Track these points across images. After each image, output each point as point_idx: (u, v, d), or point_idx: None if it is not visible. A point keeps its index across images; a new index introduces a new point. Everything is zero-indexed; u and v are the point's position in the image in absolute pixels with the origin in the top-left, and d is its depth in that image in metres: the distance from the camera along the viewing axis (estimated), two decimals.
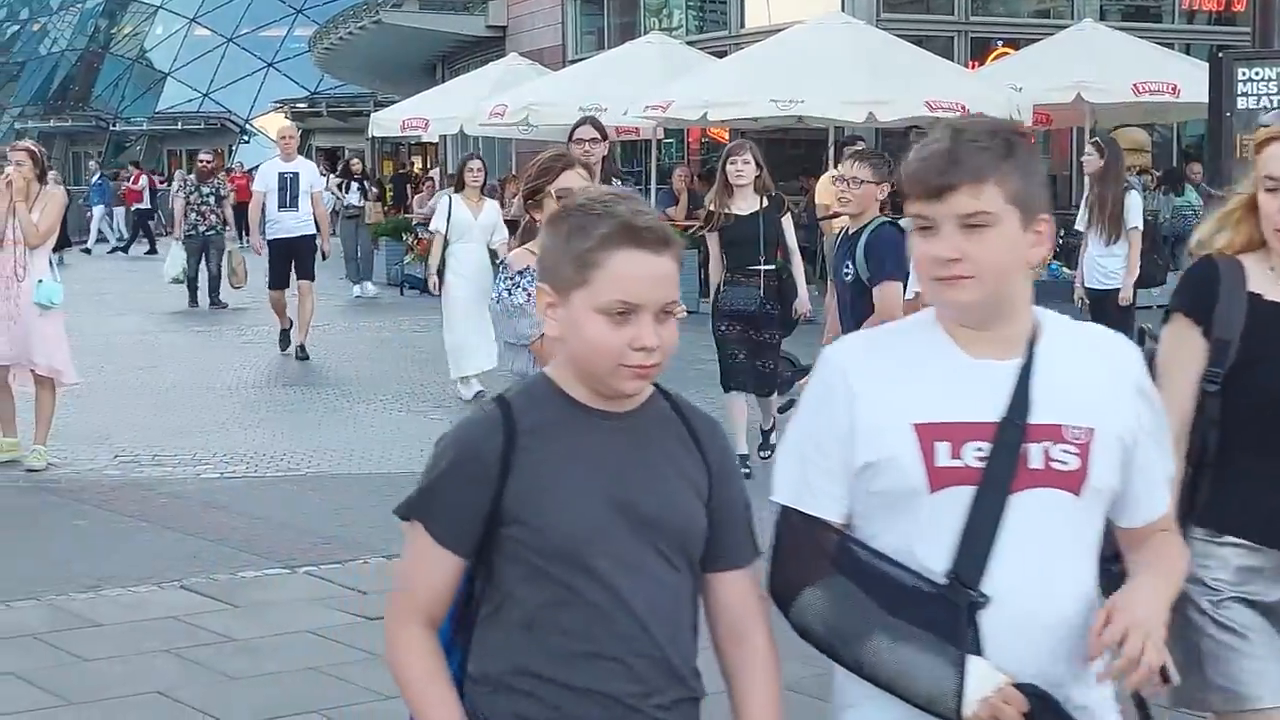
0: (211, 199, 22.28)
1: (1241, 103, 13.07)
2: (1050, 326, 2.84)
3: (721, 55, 24.50)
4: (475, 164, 14.03)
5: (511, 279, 5.20)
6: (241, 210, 22.97)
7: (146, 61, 72.09)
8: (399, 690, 2.85)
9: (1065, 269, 15.34)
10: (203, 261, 22.23)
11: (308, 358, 16.60)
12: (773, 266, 10.27)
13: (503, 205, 16.17)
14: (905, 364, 2.82)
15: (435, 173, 33.89)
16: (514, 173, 25.61)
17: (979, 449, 2.72)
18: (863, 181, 8.15)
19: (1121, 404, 2.83)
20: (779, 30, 22.30)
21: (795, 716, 2.98)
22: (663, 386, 2.85)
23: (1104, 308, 12.07)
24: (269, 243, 17.07)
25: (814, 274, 16.14)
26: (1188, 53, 24.66)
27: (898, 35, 22.05)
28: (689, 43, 26.62)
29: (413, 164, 43.52)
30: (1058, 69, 20.82)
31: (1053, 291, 14.63)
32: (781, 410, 9.71)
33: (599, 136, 9.17)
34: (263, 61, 66.13)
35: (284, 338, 17.02)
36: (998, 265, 2.71)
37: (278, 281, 17.08)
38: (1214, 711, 3.74)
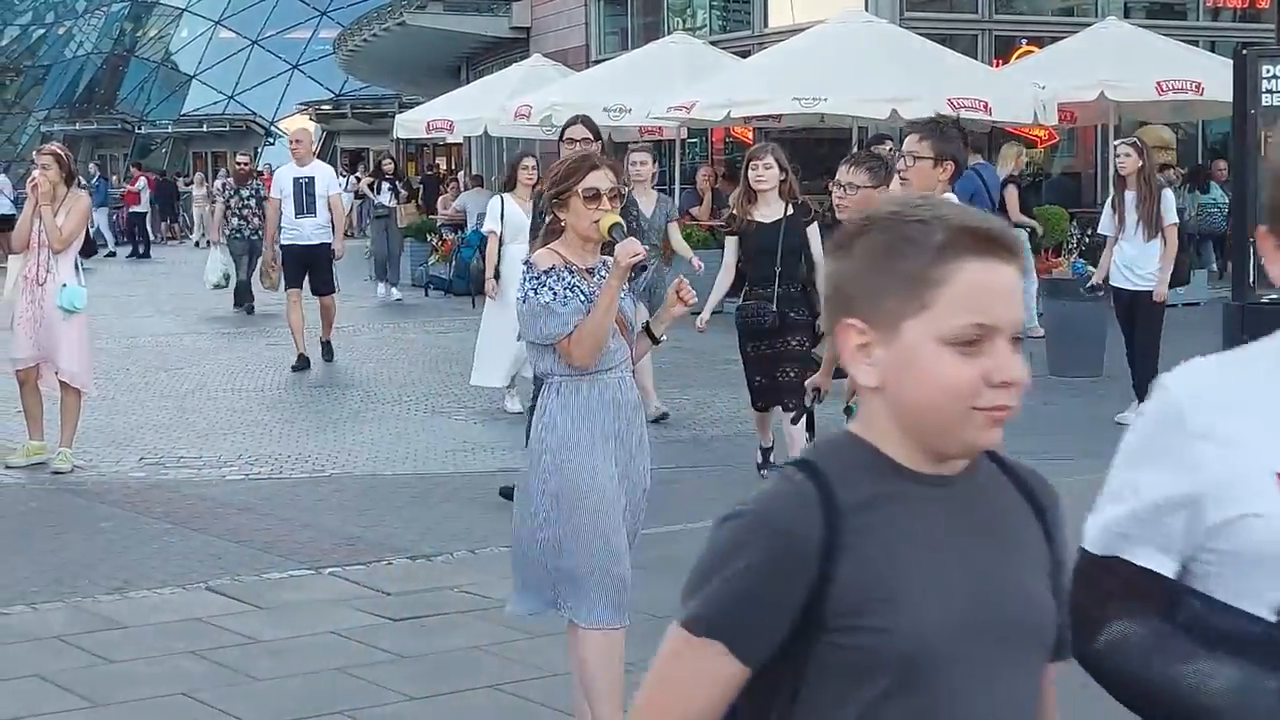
0: (252, 201, 22.10)
1: (1266, 100, 13.00)
2: None
3: (745, 55, 24.48)
4: (529, 161, 12.96)
5: (537, 278, 5.18)
6: None
7: (172, 64, 72.29)
8: None
9: (1090, 268, 15.30)
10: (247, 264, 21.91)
11: (333, 358, 16.48)
12: (793, 276, 9.93)
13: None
14: (1263, 398, 2.36)
15: (461, 174, 33.96)
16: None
17: None
18: (859, 187, 7.77)
19: None
20: (803, 29, 22.28)
21: None
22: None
23: (1134, 309, 12.04)
24: (285, 249, 16.50)
25: None
26: (1212, 50, 24.57)
27: (921, 33, 22.02)
28: (713, 43, 26.60)
29: (438, 165, 43.61)
30: (1082, 67, 20.76)
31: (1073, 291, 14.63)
32: (794, 420, 9.27)
33: (591, 136, 8.94)
34: (287, 64, 66.27)
35: (301, 362, 16.19)
36: None
37: (293, 282, 16.55)
38: None
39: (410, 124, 29.05)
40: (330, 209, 16.37)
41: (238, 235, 22.09)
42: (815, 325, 9.72)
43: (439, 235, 25.39)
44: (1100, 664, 2.40)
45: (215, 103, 67.45)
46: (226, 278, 22.21)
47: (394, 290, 24.53)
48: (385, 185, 25.86)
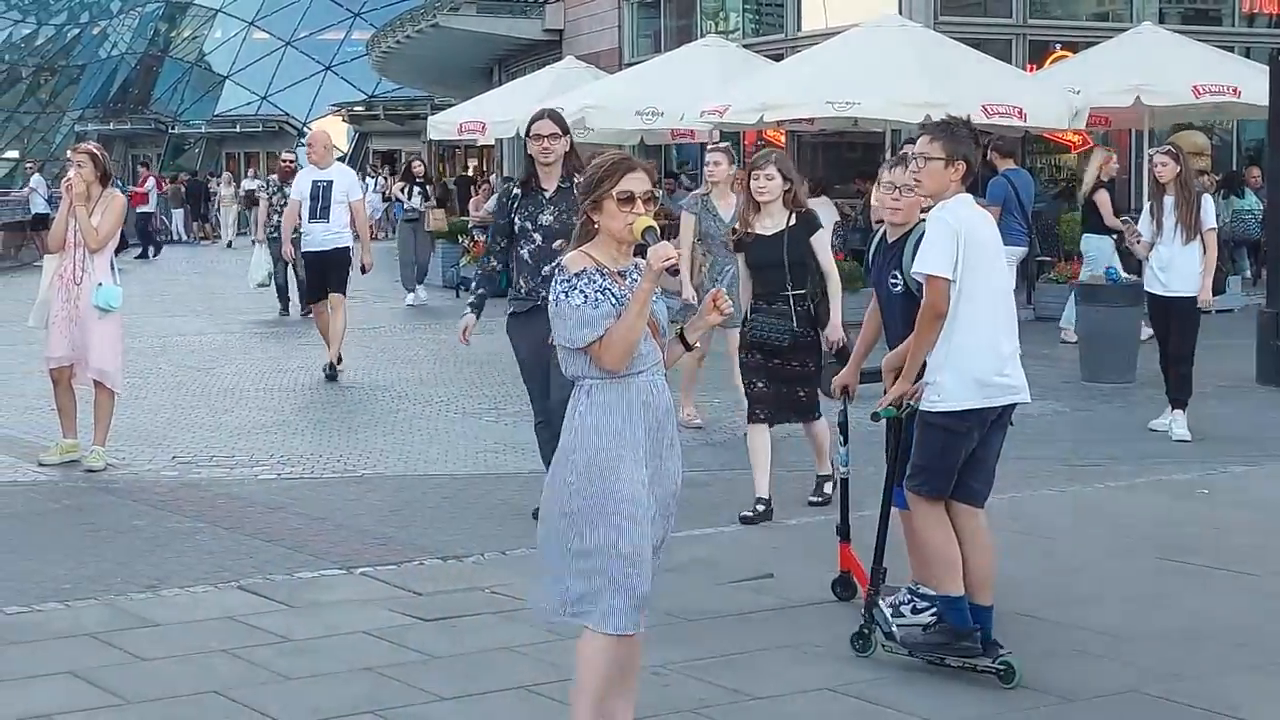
0: None
1: None
2: None
3: (779, 58, 24.47)
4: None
5: (568, 281, 5.17)
6: None
7: (205, 65, 72.63)
8: None
9: (1123, 274, 15.24)
10: (290, 266, 20.83)
11: (336, 378, 15.36)
12: (802, 291, 9.28)
13: None
14: None
15: (494, 176, 33.98)
16: None
17: None
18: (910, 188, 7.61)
19: None
20: (836, 33, 22.25)
21: None
22: None
23: (1169, 315, 11.97)
24: (301, 255, 16.30)
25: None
26: (1248, 56, 24.49)
27: (955, 38, 21.97)
28: (746, 46, 26.59)
29: (470, 167, 43.68)
30: (1116, 72, 20.70)
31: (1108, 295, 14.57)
32: (814, 417, 8.82)
33: (559, 131, 8.81)
34: (321, 65, 66.49)
35: (330, 371, 15.51)
36: None
37: (313, 295, 16.37)
38: None
39: (443, 126, 29.08)
40: (352, 214, 15.71)
41: (277, 234, 21.85)
42: (820, 344, 9.38)
43: (470, 237, 25.39)
44: None
45: (248, 103, 67.74)
46: (270, 275, 22.07)
47: (420, 293, 24.00)
48: (415, 189, 25.47)
